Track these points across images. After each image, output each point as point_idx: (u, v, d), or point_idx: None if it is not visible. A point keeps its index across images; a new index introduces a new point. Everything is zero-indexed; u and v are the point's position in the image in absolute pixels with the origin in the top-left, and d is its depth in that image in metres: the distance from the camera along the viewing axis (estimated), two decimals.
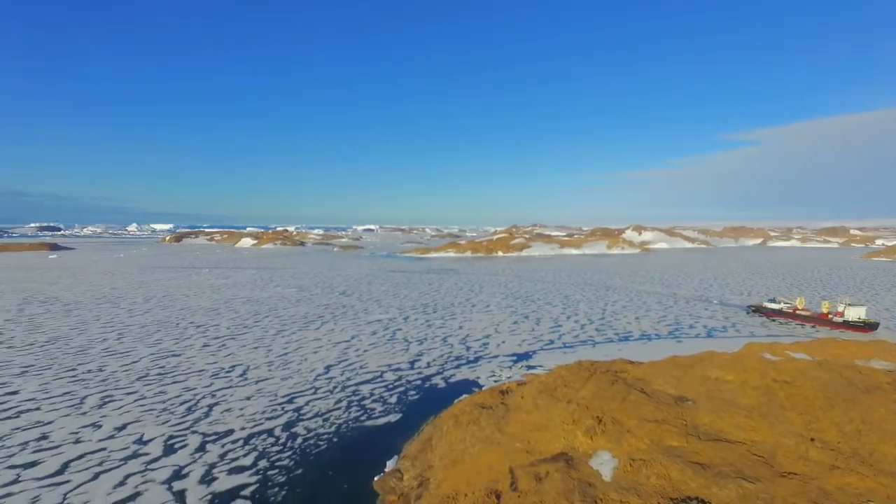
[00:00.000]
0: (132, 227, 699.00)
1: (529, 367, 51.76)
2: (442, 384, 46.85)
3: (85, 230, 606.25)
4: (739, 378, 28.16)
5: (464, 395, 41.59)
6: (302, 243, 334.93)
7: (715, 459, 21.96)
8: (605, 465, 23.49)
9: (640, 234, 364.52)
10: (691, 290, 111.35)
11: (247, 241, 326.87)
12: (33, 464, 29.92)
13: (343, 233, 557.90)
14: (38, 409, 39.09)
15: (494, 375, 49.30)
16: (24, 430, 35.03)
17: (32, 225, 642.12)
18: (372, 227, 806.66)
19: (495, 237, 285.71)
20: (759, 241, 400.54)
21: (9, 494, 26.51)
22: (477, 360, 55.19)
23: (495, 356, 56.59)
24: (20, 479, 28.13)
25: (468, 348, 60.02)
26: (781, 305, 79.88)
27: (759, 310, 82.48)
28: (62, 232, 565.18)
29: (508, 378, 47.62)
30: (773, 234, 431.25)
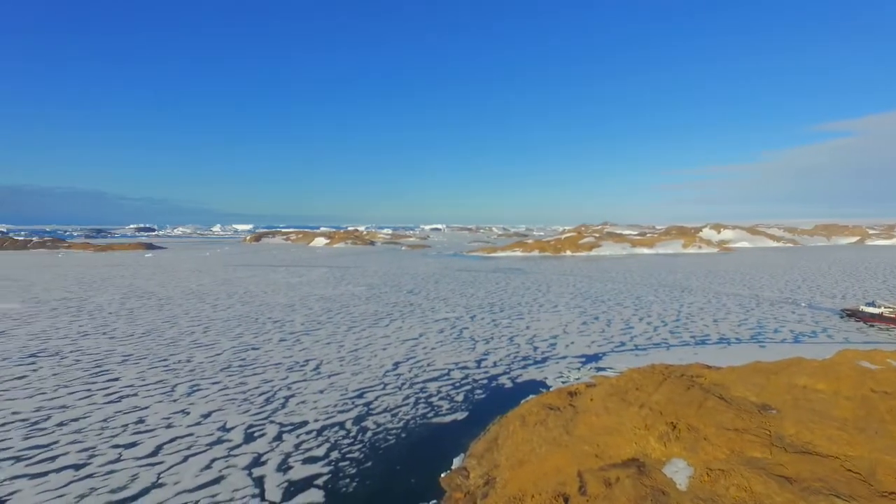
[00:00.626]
0: (216, 228, 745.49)
1: (599, 370, 50.41)
2: (508, 384, 46.59)
3: (176, 230, 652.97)
4: (831, 387, 26.04)
5: (531, 396, 41.11)
6: (371, 242, 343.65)
7: (803, 473, 20.45)
8: (679, 473, 22.49)
9: (718, 232, 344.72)
10: (776, 292, 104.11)
11: (320, 241, 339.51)
12: (132, 444, 32.63)
13: (411, 232, 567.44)
14: (135, 394, 42.57)
15: (562, 376, 48.41)
16: (124, 413, 38.25)
17: (132, 226, 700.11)
18: (439, 226, 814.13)
19: (563, 236, 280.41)
20: (854, 239, 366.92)
21: (112, 471, 29.03)
22: (544, 360, 54.44)
23: (563, 357, 55.57)
24: (122, 457, 30.78)
25: (535, 348, 59.33)
26: (882, 310, 72.75)
27: (854, 314, 75.61)
28: (156, 232, 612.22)
29: (577, 380, 46.63)
30: (871, 231, 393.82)
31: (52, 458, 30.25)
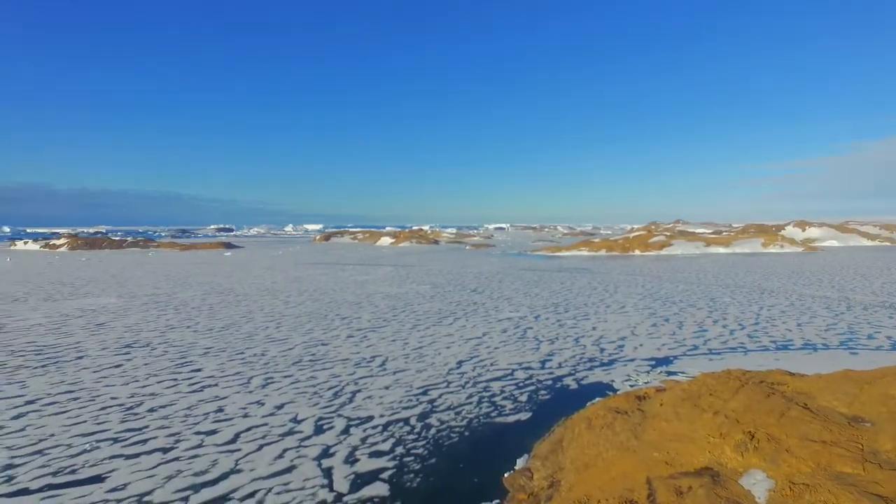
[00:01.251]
0: (288, 228, 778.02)
1: (669, 374, 48.29)
2: (573, 385, 45.59)
3: (252, 230, 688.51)
4: None
5: (597, 398, 39.97)
6: (436, 241, 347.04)
7: None
8: (758, 485, 21.10)
9: (803, 230, 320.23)
10: (870, 295, 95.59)
11: (385, 240, 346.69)
12: (213, 432, 34.74)
13: (474, 231, 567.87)
14: (216, 385, 45.25)
15: (630, 380, 46.77)
16: (206, 402, 40.77)
17: (212, 226, 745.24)
18: (503, 225, 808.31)
19: (632, 235, 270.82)
20: None
21: (195, 456, 31.05)
22: (611, 362, 52.86)
23: (631, 360, 53.69)
24: (203, 443, 32.85)
25: (602, 350, 57.75)
26: None
27: None
28: (234, 232, 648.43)
29: (645, 383, 44.89)
30: None
31: (144, 441, 32.67)
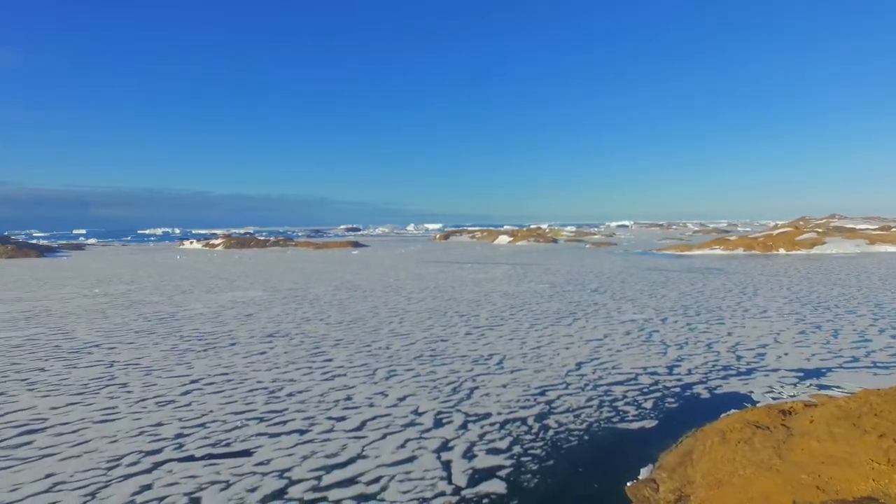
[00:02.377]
0: (410, 227, 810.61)
1: (820, 387, 42.56)
2: (705, 394, 42.02)
3: (377, 230, 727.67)
4: None
5: (732, 410, 36.38)
6: (554, 240, 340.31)
7: None
8: None
9: None
10: None
11: (503, 239, 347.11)
12: (342, 418, 37.30)
13: (595, 229, 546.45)
14: (345, 374, 48.50)
15: (772, 391, 42.00)
16: (336, 390, 43.86)
17: (342, 226, 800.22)
18: (626, 223, 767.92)
19: (775, 232, 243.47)
20: None
21: (327, 439, 33.58)
22: (749, 372, 47.90)
23: (773, 370, 48.18)
24: (334, 428, 35.41)
25: (738, 358, 52.58)
26: None
27: None
28: (361, 231, 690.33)
29: (791, 397, 40.09)
30: None
31: (284, 423, 35.90)
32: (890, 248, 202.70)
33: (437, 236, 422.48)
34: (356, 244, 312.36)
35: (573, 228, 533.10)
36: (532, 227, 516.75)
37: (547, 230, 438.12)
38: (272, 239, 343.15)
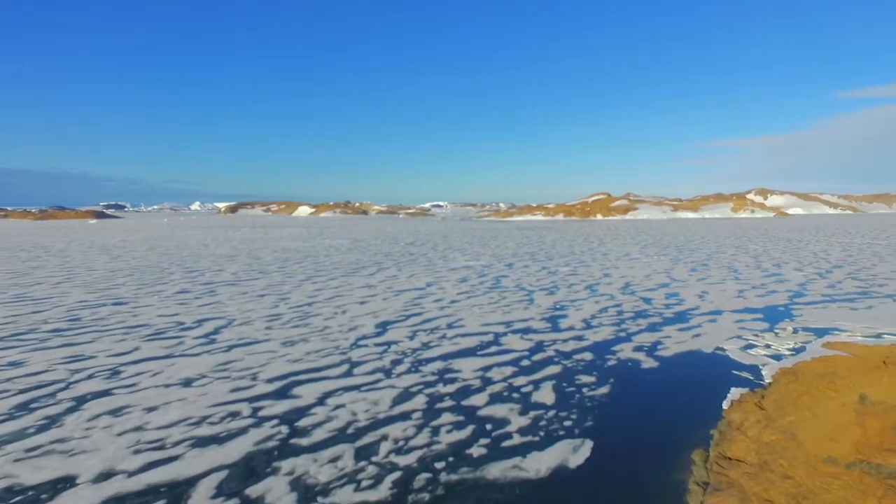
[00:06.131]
0: (195, 205, 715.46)
1: (819, 333, 24.71)
2: (677, 350, 21.44)
3: (150, 209, 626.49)
4: None
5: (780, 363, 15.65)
6: (364, 212, 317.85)
7: None
8: None
9: (765, 198, 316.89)
10: None
11: (304, 210, 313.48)
12: None
13: (410, 207, 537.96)
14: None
15: (750, 343, 22.89)
16: None
17: (101, 204, 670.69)
18: (441, 203, 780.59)
19: (591, 199, 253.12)
20: None
21: None
22: (682, 316, 28.69)
23: (716, 311, 29.85)
24: None
25: (647, 301, 33.11)
26: None
27: None
28: (126, 209, 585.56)
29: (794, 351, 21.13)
30: None
31: None
32: (691, 215, 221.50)
33: (223, 209, 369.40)
34: (100, 215, 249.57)
35: (385, 206, 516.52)
36: (339, 202, 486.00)
37: (357, 205, 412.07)
38: None
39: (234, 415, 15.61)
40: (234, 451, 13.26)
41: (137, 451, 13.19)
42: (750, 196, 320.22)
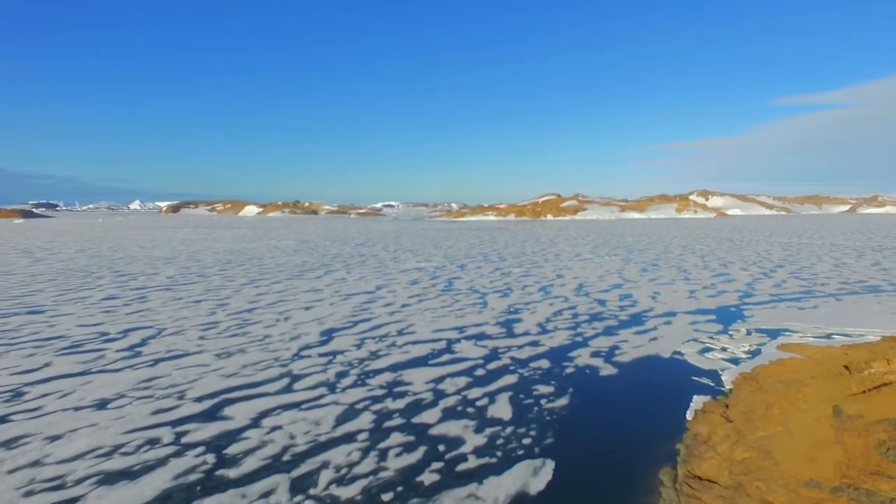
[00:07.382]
0: (135, 204, 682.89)
1: (771, 335, 24.69)
2: (605, 364, 20.62)
3: (85, 208, 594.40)
4: None
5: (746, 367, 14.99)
6: (314, 212, 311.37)
7: None
8: None
9: (707, 199, 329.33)
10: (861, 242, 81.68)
11: (251, 210, 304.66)
12: None
13: (361, 207, 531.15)
14: None
15: (704, 343, 22.58)
16: None
17: (30, 203, 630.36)
18: (392, 203, 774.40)
19: (541, 200, 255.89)
20: (846, 207, 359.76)
21: None
22: (638, 319, 28.25)
23: (668, 314, 29.63)
24: None
25: (601, 303, 32.82)
26: None
27: None
28: (58, 208, 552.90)
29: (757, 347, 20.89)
30: (852, 202, 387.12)
31: None
32: (638, 215, 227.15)
33: (164, 208, 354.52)
34: (28, 214, 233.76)
35: (336, 206, 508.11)
36: (288, 202, 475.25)
37: (306, 204, 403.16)
38: None
39: (153, 442, 13.84)
40: (148, 488, 11.58)
41: (29, 494, 11.31)
42: (692, 197, 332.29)
